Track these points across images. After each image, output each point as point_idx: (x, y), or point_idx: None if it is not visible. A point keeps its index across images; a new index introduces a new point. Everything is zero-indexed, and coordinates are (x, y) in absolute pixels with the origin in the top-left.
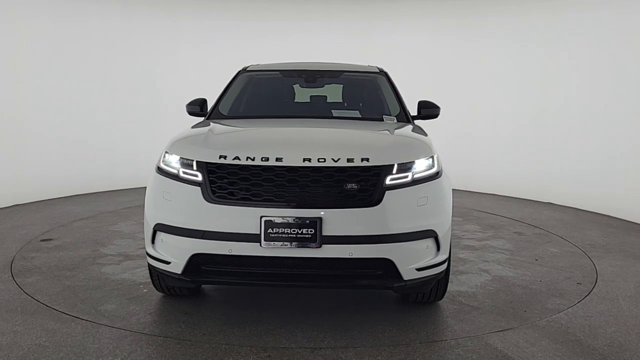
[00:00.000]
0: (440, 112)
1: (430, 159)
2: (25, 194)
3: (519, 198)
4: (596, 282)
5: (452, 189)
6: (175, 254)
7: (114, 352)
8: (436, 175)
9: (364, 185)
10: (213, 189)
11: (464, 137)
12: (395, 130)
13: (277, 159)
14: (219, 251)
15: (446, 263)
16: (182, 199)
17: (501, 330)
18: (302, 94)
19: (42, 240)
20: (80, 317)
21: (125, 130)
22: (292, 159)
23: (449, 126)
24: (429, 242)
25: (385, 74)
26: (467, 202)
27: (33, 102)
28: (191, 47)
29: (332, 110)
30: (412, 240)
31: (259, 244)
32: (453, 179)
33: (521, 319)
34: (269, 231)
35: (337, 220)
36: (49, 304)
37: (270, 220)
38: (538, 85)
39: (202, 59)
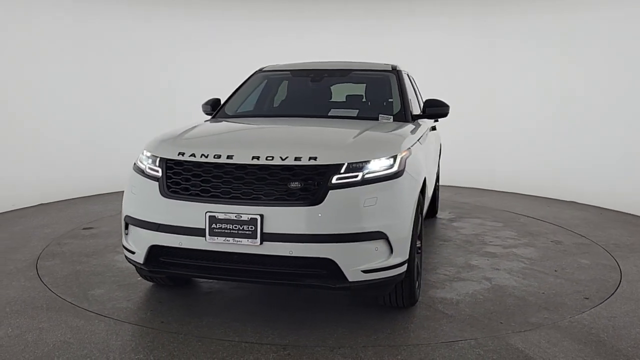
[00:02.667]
0: (460, 111)
1: (391, 159)
2: (49, 193)
3: (541, 197)
4: (620, 282)
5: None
6: (138, 245)
7: (136, 348)
8: (394, 175)
9: (307, 184)
10: (168, 184)
11: (483, 135)
12: (373, 130)
13: (228, 157)
14: (171, 244)
15: (402, 266)
16: (144, 193)
17: (523, 331)
18: (310, 93)
19: (84, 229)
20: (66, 298)
21: (146, 131)
22: (242, 157)
23: (467, 125)
24: (379, 244)
25: (397, 72)
26: (503, 204)
27: (52, 106)
28: (210, 48)
29: (332, 109)
30: (357, 241)
31: (204, 238)
32: (473, 177)
33: (489, 331)
34: (213, 226)
35: (278, 218)
36: (49, 285)
37: (214, 216)
38: (558, 82)
39: (221, 59)
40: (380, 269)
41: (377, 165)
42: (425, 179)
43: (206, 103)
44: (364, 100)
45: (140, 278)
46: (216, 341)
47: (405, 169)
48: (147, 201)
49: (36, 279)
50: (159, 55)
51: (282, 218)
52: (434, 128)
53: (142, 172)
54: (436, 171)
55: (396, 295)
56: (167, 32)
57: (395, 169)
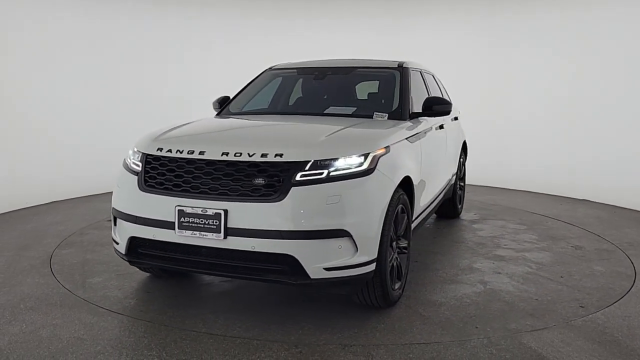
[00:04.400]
0: (472, 109)
1: (362, 157)
2: (62, 192)
3: (553, 195)
4: (634, 281)
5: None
6: (121, 236)
7: (149, 345)
8: (363, 173)
9: (271, 180)
10: (146, 178)
11: (495, 133)
12: (357, 127)
13: (200, 153)
14: (146, 235)
15: (368, 265)
16: (126, 186)
17: (535, 330)
18: (312, 91)
19: (107, 220)
20: (65, 285)
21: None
22: (213, 153)
23: (479, 122)
24: (343, 242)
25: (402, 70)
26: (519, 203)
27: (63, 107)
28: (221, 46)
29: (331, 107)
30: (319, 238)
31: (174, 231)
32: (484, 175)
33: (459, 335)
34: (181, 220)
35: (242, 213)
36: (55, 272)
37: (182, 210)
38: (571, 79)
39: (232, 57)
40: (343, 267)
41: (346, 163)
42: (421, 179)
43: (216, 100)
44: (365, 98)
45: (137, 269)
46: (228, 338)
47: (377, 167)
48: (128, 194)
49: (50, 276)
50: (169, 55)
51: (245, 213)
52: (455, 123)
53: (127, 166)
54: (454, 171)
55: (368, 294)
56: (176, 32)
57: (364, 167)
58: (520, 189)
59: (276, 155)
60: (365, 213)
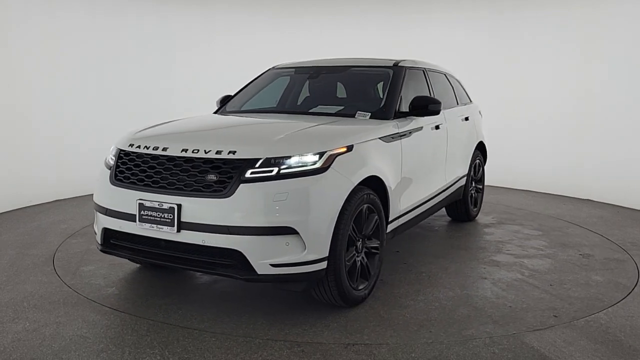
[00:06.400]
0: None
1: (317, 156)
2: (65, 190)
3: (555, 195)
4: (638, 281)
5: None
6: (97, 227)
7: (151, 343)
8: (315, 171)
9: (222, 176)
10: (116, 172)
11: (499, 132)
12: (329, 125)
13: (163, 149)
14: (115, 227)
15: (318, 264)
16: (102, 180)
17: (537, 330)
18: (305, 90)
19: None
20: (58, 272)
21: None
22: (174, 150)
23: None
24: (290, 239)
25: (397, 69)
26: (530, 205)
27: (66, 108)
28: (226, 45)
29: (320, 106)
30: (265, 235)
31: (135, 223)
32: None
33: (409, 339)
34: (142, 213)
35: (194, 208)
36: (58, 270)
37: (142, 203)
38: (576, 79)
39: (237, 55)
40: (290, 264)
41: (300, 161)
42: (403, 178)
43: (219, 99)
44: (355, 97)
45: (128, 260)
46: (230, 337)
47: (332, 166)
48: (102, 187)
49: (53, 274)
50: (175, 53)
51: (196, 208)
52: (466, 121)
53: (105, 161)
54: (462, 173)
55: (324, 292)
56: (180, 31)
57: (317, 165)
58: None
59: (229, 152)
60: (314, 211)
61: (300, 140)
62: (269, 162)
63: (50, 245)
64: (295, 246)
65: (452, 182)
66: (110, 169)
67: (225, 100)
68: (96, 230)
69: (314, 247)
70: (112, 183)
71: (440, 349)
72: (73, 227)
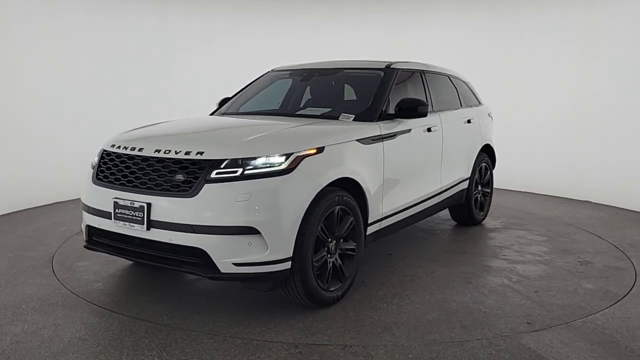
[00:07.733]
0: None
1: (284, 157)
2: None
3: (554, 196)
4: (635, 282)
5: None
6: (83, 224)
7: (149, 345)
8: (279, 173)
9: (189, 177)
10: (98, 171)
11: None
12: (305, 127)
13: (139, 149)
14: (95, 224)
15: (282, 264)
16: (87, 179)
17: (534, 331)
18: (296, 93)
19: None
20: (54, 266)
21: None
22: (148, 150)
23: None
24: (253, 239)
25: (388, 70)
26: (528, 206)
27: (64, 110)
28: (226, 45)
29: (309, 108)
30: (227, 234)
31: (111, 221)
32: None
33: (373, 340)
34: (116, 211)
35: (162, 207)
36: (57, 272)
37: (117, 202)
38: (575, 79)
39: (237, 55)
40: (253, 264)
41: (267, 162)
42: (387, 180)
43: (218, 102)
44: (346, 99)
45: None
46: (228, 339)
47: (299, 167)
48: (87, 187)
49: (52, 276)
50: (175, 53)
51: (164, 207)
52: (468, 122)
53: (92, 162)
54: (464, 176)
55: (291, 291)
56: (183, 31)
57: (283, 166)
58: (520, 190)
59: (197, 153)
60: (277, 212)
61: (269, 142)
62: (235, 163)
63: (49, 248)
64: (258, 246)
65: (450, 185)
66: (93, 169)
67: (223, 103)
68: (82, 227)
69: (277, 247)
70: (94, 182)
71: (437, 350)
72: (72, 230)
